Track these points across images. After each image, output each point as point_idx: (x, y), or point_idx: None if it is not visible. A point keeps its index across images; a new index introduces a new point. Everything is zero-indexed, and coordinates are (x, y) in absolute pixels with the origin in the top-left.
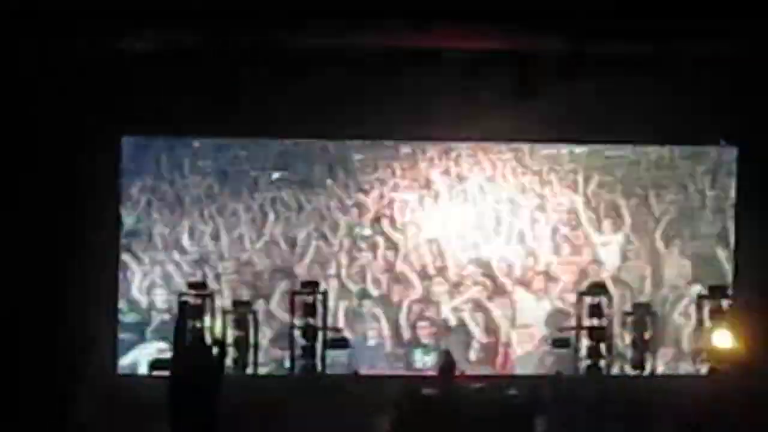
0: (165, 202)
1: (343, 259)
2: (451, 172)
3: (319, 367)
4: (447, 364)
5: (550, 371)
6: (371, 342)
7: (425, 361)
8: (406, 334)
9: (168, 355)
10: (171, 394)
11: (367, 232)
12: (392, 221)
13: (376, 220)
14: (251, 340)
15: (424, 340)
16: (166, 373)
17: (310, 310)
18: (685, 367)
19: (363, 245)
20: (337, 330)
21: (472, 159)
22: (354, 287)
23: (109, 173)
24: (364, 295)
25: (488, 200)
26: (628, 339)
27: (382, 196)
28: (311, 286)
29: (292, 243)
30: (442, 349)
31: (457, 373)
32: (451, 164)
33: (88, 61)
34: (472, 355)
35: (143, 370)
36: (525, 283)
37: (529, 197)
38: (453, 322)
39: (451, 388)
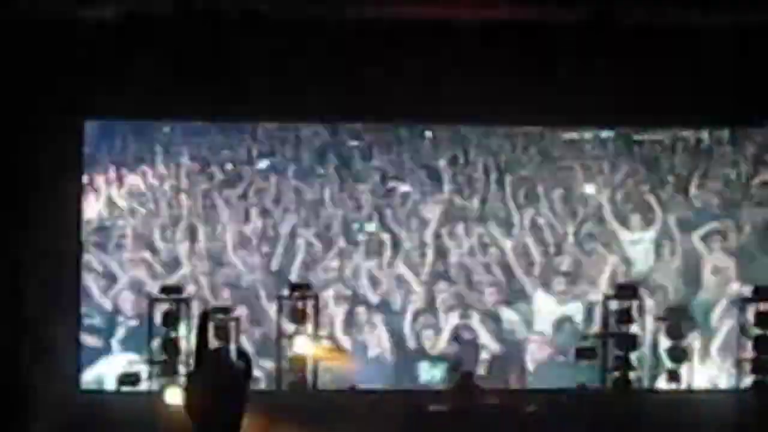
0: (133, 194)
1: (338, 259)
2: (459, 160)
3: (310, 382)
4: (464, 382)
5: (573, 384)
6: (370, 353)
7: (433, 375)
8: (411, 344)
9: (137, 367)
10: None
11: (365, 227)
12: (393, 215)
13: (375, 213)
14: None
15: (431, 351)
16: (135, 388)
17: (300, 316)
18: (727, 380)
19: (360, 242)
20: (331, 339)
21: (482, 145)
22: (350, 290)
23: (70, 162)
24: (361, 299)
25: (501, 192)
26: (662, 348)
27: (381, 187)
28: (302, 289)
29: (280, 240)
30: (460, 366)
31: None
32: (458, 150)
33: (46, 34)
34: (482, 369)
35: (110, 385)
36: (543, 286)
37: (548, 188)
38: (461, 330)
39: (463, 405)
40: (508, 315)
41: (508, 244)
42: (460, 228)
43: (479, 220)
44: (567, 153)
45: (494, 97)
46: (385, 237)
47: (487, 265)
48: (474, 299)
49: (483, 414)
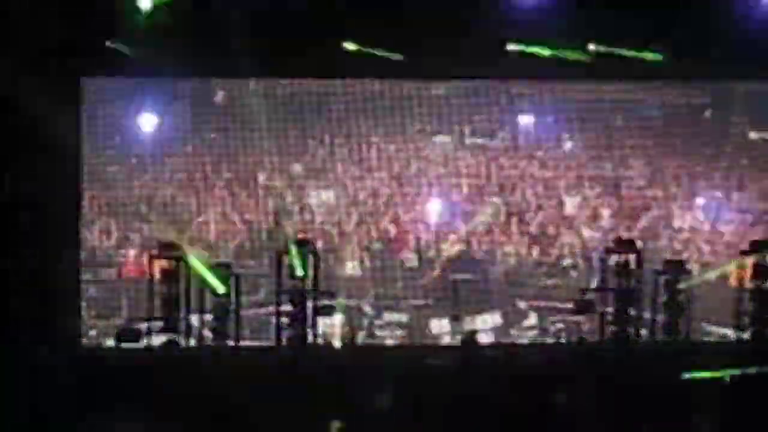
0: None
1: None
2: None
3: (309, 337)
4: (469, 338)
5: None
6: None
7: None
8: None
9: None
10: None
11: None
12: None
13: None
14: (232, 306)
15: None
16: (134, 345)
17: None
18: (725, 333)
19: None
20: (331, 294)
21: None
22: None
23: (69, 119)
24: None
25: None
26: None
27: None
28: (302, 245)
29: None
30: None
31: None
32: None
33: None
34: None
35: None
36: None
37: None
38: None
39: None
40: None
41: None
42: None
43: None
44: None
45: None
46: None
47: None
48: None
49: (482, 366)
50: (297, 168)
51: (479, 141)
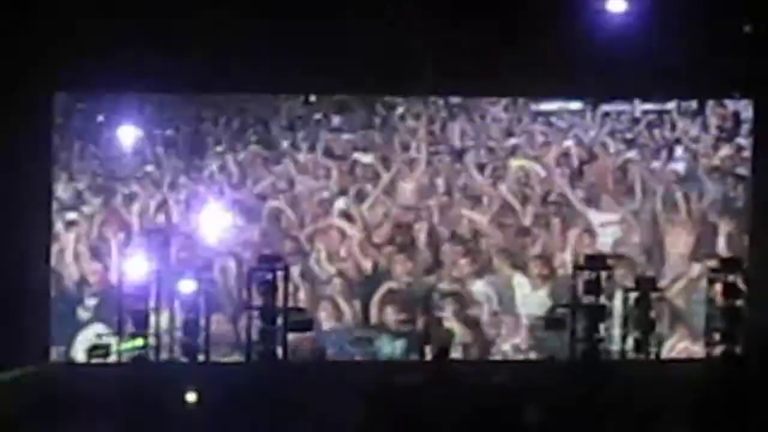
0: (105, 166)
1: (309, 232)
2: (422, 134)
3: (279, 353)
4: (440, 355)
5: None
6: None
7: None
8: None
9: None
10: None
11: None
12: (359, 189)
13: (343, 186)
14: (202, 322)
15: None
16: (105, 360)
17: (269, 288)
18: (695, 350)
19: (329, 215)
20: (300, 311)
21: (449, 118)
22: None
23: (41, 135)
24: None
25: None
26: (630, 318)
27: (345, 159)
28: (271, 261)
29: (250, 213)
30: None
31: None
32: (421, 125)
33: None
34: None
35: (80, 357)
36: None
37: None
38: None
39: (430, 376)
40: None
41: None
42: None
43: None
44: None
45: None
46: (353, 208)
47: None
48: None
49: (449, 385)
50: (266, 182)
51: (448, 158)
